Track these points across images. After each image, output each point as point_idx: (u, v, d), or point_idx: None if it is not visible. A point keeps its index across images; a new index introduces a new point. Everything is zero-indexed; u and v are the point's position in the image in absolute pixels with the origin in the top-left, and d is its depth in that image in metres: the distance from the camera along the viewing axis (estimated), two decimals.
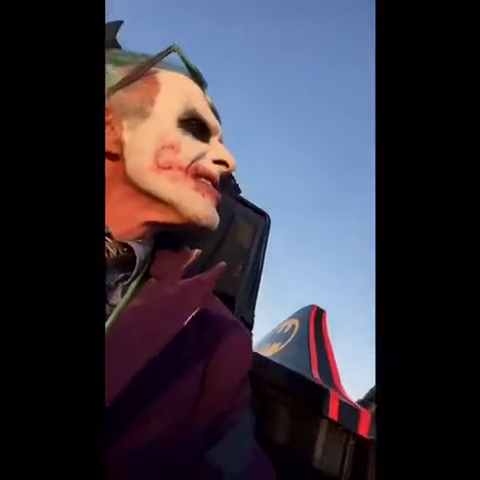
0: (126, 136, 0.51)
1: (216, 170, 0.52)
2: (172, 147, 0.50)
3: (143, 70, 0.53)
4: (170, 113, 0.52)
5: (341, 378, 1.10)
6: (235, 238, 0.88)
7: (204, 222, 0.50)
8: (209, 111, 0.55)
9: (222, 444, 0.44)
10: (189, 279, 0.46)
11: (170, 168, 0.49)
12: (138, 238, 0.50)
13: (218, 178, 0.52)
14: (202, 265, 0.71)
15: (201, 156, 0.51)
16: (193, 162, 0.50)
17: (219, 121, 0.62)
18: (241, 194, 1.06)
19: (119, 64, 0.53)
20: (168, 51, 0.54)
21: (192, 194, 0.50)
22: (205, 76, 0.57)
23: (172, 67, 0.57)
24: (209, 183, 0.52)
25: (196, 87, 0.56)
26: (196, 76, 0.57)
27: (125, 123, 0.52)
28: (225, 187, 0.96)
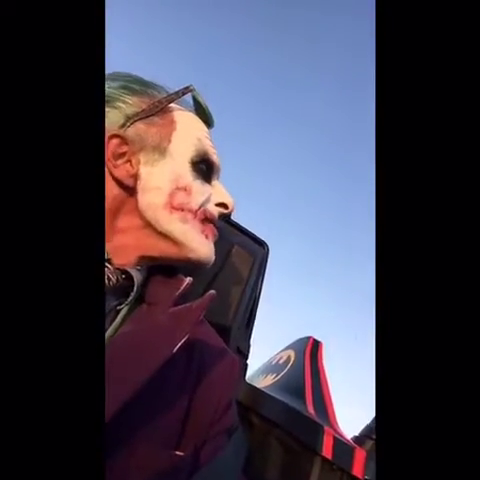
0: (143, 171, 0.54)
1: (217, 212, 0.55)
2: (185, 190, 0.53)
3: (161, 106, 0.55)
4: (184, 155, 0.55)
5: (337, 413, 1.07)
6: (233, 268, 0.88)
7: (204, 262, 0.53)
8: (214, 151, 0.58)
9: (205, 472, 0.43)
10: (180, 307, 0.47)
11: (182, 210, 0.52)
12: (137, 266, 0.50)
13: (216, 216, 0.56)
14: (199, 295, 0.71)
15: (207, 200, 0.55)
16: (202, 206, 0.54)
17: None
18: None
19: (133, 92, 0.55)
20: (185, 91, 0.57)
21: (199, 237, 0.54)
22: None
23: (183, 104, 0.59)
24: (212, 225, 0.56)
25: (204, 127, 0.59)
26: (206, 116, 0.60)
27: (142, 157, 0.54)
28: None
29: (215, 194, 0.56)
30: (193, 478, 0.41)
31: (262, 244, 1.01)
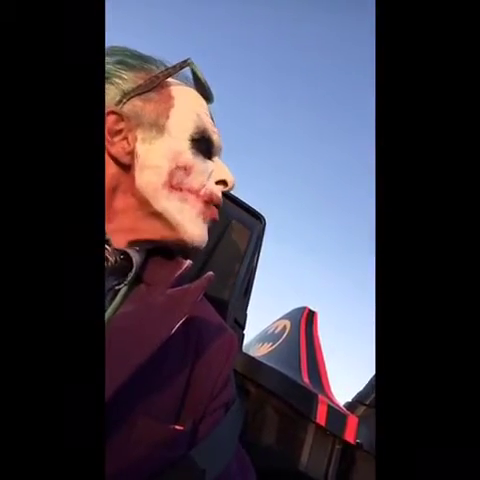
0: (140, 149, 0.52)
1: (218, 190, 0.54)
2: (185, 168, 0.51)
3: (158, 81, 0.53)
4: (184, 131, 0.53)
5: (330, 380, 1.11)
6: (231, 242, 0.88)
7: (197, 245, 0.52)
8: (214, 128, 0.56)
9: (203, 444, 0.45)
10: (178, 288, 0.47)
11: (181, 190, 0.51)
12: (135, 247, 0.50)
13: (219, 198, 0.54)
14: (197, 269, 0.72)
15: (208, 179, 0.53)
16: (203, 186, 0.52)
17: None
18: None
19: (129, 68, 0.53)
20: (183, 65, 0.54)
21: (196, 219, 0.53)
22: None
23: (182, 79, 0.57)
24: (215, 208, 0.55)
25: (204, 103, 0.56)
26: (205, 91, 0.58)
27: (139, 135, 0.52)
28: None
29: (216, 171, 0.55)
30: (191, 451, 0.43)
31: (259, 217, 1.01)
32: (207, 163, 0.54)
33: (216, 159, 0.55)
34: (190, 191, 0.51)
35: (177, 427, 0.43)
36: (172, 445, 0.43)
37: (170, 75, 0.53)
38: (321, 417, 0.86)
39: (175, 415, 0.45)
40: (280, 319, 1.52)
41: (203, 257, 0.80)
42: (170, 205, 0.49)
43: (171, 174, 0.49)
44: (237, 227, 0.90)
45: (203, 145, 0.53)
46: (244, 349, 1.24)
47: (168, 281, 0.48)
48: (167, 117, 0.51)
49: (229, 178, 0.55)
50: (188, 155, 0.51)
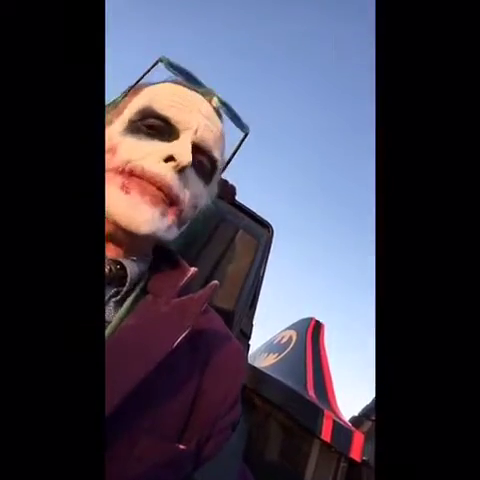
0: None
1: (164, 169, 0.46)
2: (110, 151, 0.48)
3: (131, 87, 0.52)
4: (124, 119, 0.51)
5: (337, 392, 1.09)
6: (238, 252, 0.87)
7: (123, 221, 0.44)
8: (187, 109, 0.50)
9: (209, 465, 0.43)
10: (183, 298, 0.46)
11: (106, 171, 0.47)
12: (132, 256, 0.49)
13: (164, 176, 0.46)
14: (204, 279, 0.71)
15: (144, 156, 0.46)
16: (128, 162, 0.46)
17: (241, 126, 0.58)
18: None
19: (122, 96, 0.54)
20: (155, 63, 0.53)
21: (115, 192, 0.45)
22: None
23: (167, 79, 0.55)
24: (138, 179, 0.46)
25: (177, 88, 0.53)
26: (184, 77, 0.54)
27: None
28: (228, 196, 0.95)
29: (166, 149, 0.48)
30: (198, 471, 0.42)
31: (267, 226, 1.00)
32: (150, 141, 0.49)
33: (181, 136, 0.50)
34: (110, 170, 0.47)
35: (181, 446, 0.42)
36: (176, 465, 0.41)
37: (143, 77, 0.52)
38: (326, 433, 0.84)
39: (180, 433, 0.43)
40: (286, 329, 1.50)
41: (210, 266, 0.79)
42: None
43: None
44: (244, 236, 0.89)
45: (144, 125, 0.49)
46: (250, 358, 1.22)
47: (173, 290, 0.47)
48: (119, 114, 0.49)
49: (178, 153, 0.47)
50: (117, 137, 0.48)
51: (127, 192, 0.45)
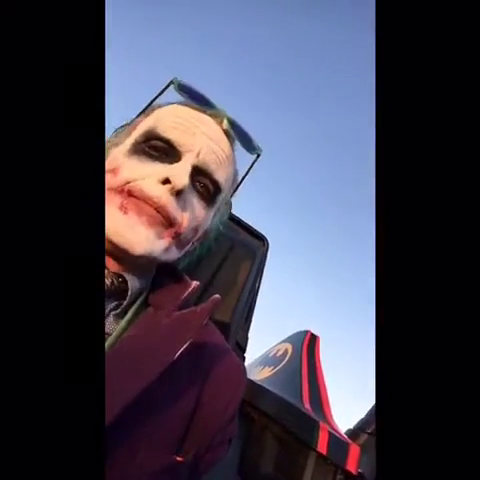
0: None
1: (160, 191, 0.47)
2: (112, 171, 0.49)
3: (144, 110, 0.53)
4: (132, 137, 0.52)
5: (332, 405, 1.09)
6: (233, 265, 0.88)
7: (118, 241, 0.45)
8: (191, 131, 0.51)
9: (205, 478, 0.44)
10: (184, 311, 0.46)
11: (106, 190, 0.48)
12: (133, 272, 0.49)
13: (159, 198, 0.46)
14: (199, 292, 0.71)
15: (143, 177, 0.47)
16: (128, 183, 0.46)
17: (251, 149, 0.58)
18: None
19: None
20: (167, 85, 0.54)
21: (113, 211, 0.46)
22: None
23: (173, 102, 0.56)
24: (135, 199, 0.46)
25: (183, 110, 0.54)
26: (195, 98, 0.55)
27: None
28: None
29: (164, 171, 0.48)
30: None
31: (262, 239, 1.01)
32: (151, 163, 0.49)
33: (183, 158, 0.50)
34: (110, 189, 0.47)
35: (179, 458, 0.42)
36: (174, 474, 0.41)
37: (155, 99, 0.54)
38: (322, 445, 0.84)
39: (179, 443, 0.43)
40: (282, 342, 1.50)
41: (205, 279, 0.80)
42: None
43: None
44: (240, 250, 0.90)
45: (146, 147, 0.50)
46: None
47: (175, 304, 0.47)
48: (128, 135, 0.50)
49: (173, 176, 0.47)
50: (121, 157, 0.49)
51: (125, 212, 0.46)
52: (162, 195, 0.46)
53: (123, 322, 0.46)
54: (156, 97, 0.54)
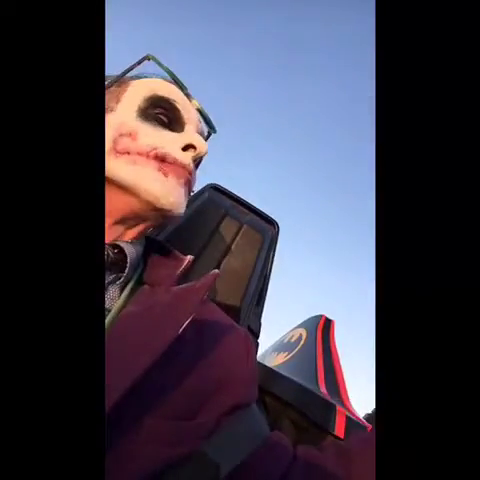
0: None
1: (185, 157, 0.51)
2: (130, 135, 0.49)
3: (118, 78, 0.54)
4: (131, 104, 0.52)
5: (349, 391, 1.07)
6: (242, 247, 0.86)
7: (164, 203, 0.48)
8: (185, 105, 0.54)
9: (218, 438, 0.42)
10: (183, 286, 0.46)
11: (128, 153, 0.49)
12: (127, 239, 0.50)
13: (189, 164, 0.51)
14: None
15: (165, 144, 0.49)
16: (155, 149, 0.48)
17: (212, 128, 0.61)
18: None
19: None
20: (143, 59, 0.55)
21: (154, 174, 0.48)
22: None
23: (152, 75, 0.57)
24: (172, 165, 0.49)
25: (171, 86, 0.56)
26: (174, 80, 0.57)
27: None
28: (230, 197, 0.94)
29: (182, 138, 0.52)
30: (206, 442, 0.40)
31: (272, 223, 0.99)
32: (160, 130, 0.52)
33: (188, 128, 0.54)
34: (139, 154, 0.48)
35: (187, 423, 0.41)
36: (181, 442, 0.40)
37: (130, 70, 0.54)
38: (340, 429, 0.82)
39: (185, 413, 0.42)
40: (296, 328, 1.49)
41: (214, 262, 0.79)
42: (121, 170, 0.46)
43: (115, 141, 0.47)
44: (248, 232, 0.88)
45: (158, 114, 0.52)
46: (259, 358, 1.21)
47: (171, 279, 0.47)
48: (118, 101, 0.51)
49: (196, 141, 0.52)
50: (133, 122, 0.50)
51: (165, 175, 0.48)
52: (190, 161, 0.51)
53: (120, 299, 0.45)
54: (131, 68, 0.56)
